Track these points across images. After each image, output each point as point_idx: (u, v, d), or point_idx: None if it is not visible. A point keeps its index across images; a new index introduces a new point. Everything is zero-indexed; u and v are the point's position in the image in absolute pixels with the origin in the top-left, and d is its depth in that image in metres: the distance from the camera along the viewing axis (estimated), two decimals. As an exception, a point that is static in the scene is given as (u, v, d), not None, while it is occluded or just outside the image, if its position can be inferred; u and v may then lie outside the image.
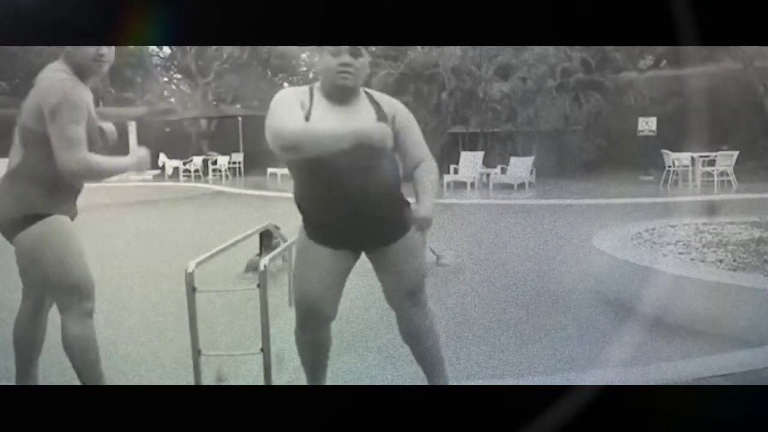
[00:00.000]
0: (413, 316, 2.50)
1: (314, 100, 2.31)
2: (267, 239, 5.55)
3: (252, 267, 5.53)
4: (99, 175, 2.47)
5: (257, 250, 5.64)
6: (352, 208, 2.28)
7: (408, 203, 2.39)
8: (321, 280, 2.39)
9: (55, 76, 2.38)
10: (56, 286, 2.48)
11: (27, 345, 2.65)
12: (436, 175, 2.41)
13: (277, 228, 5.45)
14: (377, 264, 2.47)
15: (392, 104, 2.42)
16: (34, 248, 2.44)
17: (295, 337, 2.51)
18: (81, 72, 2.44)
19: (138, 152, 2.59)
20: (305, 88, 2.38)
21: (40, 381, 2.71)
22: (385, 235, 2.38)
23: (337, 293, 2.45)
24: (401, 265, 2.43)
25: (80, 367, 2.49)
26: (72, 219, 2.57)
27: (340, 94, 2.31)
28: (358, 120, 2.27)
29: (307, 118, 2.24)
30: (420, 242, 2.49)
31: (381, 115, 2.34)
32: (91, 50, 2.40)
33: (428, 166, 2.40)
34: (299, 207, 2.42)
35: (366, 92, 2.39)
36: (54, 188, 2.43)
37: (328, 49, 2.27)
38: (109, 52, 2.47)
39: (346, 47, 2.25)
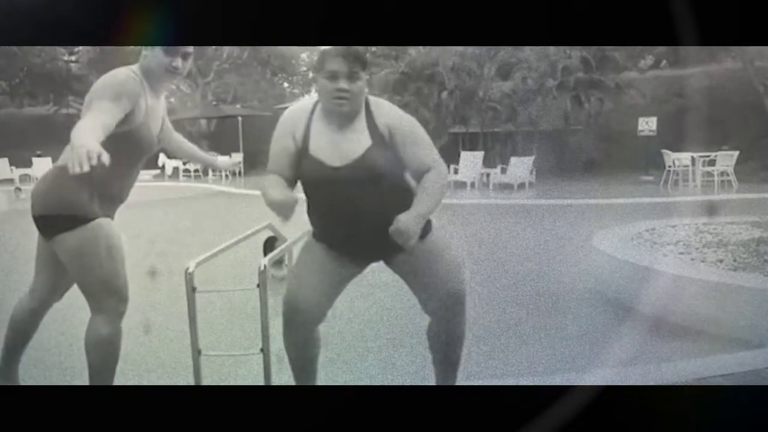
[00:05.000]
0: (451, 324, 2.41)
1: (313, 123, 2.29)
2: (269, 248, 5.53)
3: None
4: (73, 137, 2.09)
5: (263, 259, 5.63)
6: (361, 223, 2.25)
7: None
8: (317, 283, 2.35)
9: (115, 70, 2.38)
10: (95, 288, 2.44)
11: (18, 340, 2.63)
12: (441, 185, 2.24)
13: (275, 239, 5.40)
14: (402, 273, 2.42)
15: (389, 118, 2.29)
16: (77, 252, 2.39)
17: (283, 336, 2.46)
18: (150, 78, 2.43)
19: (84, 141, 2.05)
20: (308, 108, 2.34)
21: (24, 381, 2.70)
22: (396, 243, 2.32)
23: (330, 300, 2.41)
24: (428, 269, 2.35)
25: (99, 367, 2.46)
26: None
27: (338, 117, 2.26)
28: (353, 145, 2.23)
29: (304, 145, 2.26)
30: (443, 244, 2.42)
31: (376, 136, 2.25)
32: (165, 60, 2.39)
33: (434, 174, 2.23)
34: (309, 218, 2.40)
35: (366, 104, 2.30)
36: (103, 193, 2.40)
37: (323, 73, 2.20)
38: (183, 66, 2.44)
39: (344, 71, 2.17)
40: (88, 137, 1.98)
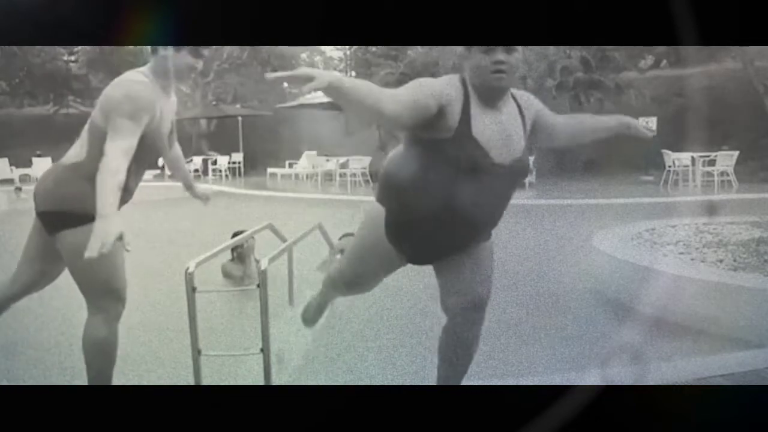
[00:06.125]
0: (471, 327, 2.36)
1: (472, 102, 2.08)
2: (239, 246, 5.51)
3: (226, 273, 5.52)
4: (99, 180, 2.23)
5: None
6: (454, 224, 2.15)
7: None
8: (378, 264, 2.39)
9: (128, 76, 2.38)
10: (94, 288, 2.44)
11: None
12: None
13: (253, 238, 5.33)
14: (440, 271, 2.35)
15: (531, 107, 2.26)
16: (78, 250, 2.31)
17: (321, 295, 2.65)
18: (164, 79, 2.42)
19: (106, 228, 2.15)
20: (454, 80, 2.11)
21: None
22: (454, 248, 2.28)
23: (379, 278, 2.51)
24: (466, 275, 2.28)
25: (98, 368, 2.46)
26: None
27: (492, 95, 2.09)
28: (513, 132, 2.12)
29: (464, 122, 2.04)
30: (489, 253, 2.35)
31: (524, 122, 2.19)
32: (191, 60, 2.38)
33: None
34: (398, 192, 2.21)
35: (513, 97, 2.21)
36: None
37: (477, 48, 2.03)
38: (198, 64, 2.44)
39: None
40: (112, 219, 2.13)
